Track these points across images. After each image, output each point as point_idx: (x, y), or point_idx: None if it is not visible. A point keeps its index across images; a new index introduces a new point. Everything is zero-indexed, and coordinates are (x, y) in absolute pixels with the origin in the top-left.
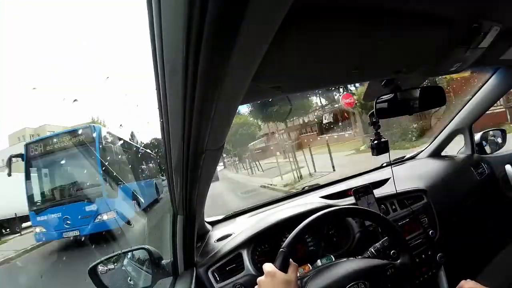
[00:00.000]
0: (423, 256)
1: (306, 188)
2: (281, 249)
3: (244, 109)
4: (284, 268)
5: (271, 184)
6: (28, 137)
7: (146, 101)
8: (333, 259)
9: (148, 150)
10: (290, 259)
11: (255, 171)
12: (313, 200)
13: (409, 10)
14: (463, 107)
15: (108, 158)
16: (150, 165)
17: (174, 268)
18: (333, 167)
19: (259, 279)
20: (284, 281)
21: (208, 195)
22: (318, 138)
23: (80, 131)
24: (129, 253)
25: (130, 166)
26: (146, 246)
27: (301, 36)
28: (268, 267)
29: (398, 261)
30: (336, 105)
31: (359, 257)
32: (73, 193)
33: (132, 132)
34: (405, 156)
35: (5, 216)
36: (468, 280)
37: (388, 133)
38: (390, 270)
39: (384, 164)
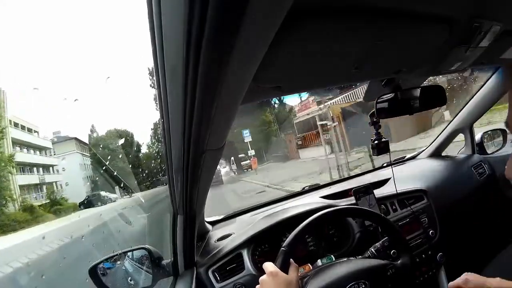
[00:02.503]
0: (423, 256)
1: (306, 188)
2: (282, 248)
3: None
4: (284, 267)
5: None
6: None
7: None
8: (333, 259)
9: None
10: (291, 259)
11: None
12: (313, 200)
13: (409, 10)
14: (464, 107)
15: None
16: None
17: (174, 268)
18: None
19: (262, 278)
20: (286, 281)
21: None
22: None
23: None
24: (129, 253)
25: None
26: (146, 246)
27: (301, 36)
28: (270, 266)
29: (399, 261)
30: None
31: (359, 257)
32: None
33: None
34: (405, 156)
35: None
36: (469, 273)
37: None
38: (390, 270)
39: (385, 164)
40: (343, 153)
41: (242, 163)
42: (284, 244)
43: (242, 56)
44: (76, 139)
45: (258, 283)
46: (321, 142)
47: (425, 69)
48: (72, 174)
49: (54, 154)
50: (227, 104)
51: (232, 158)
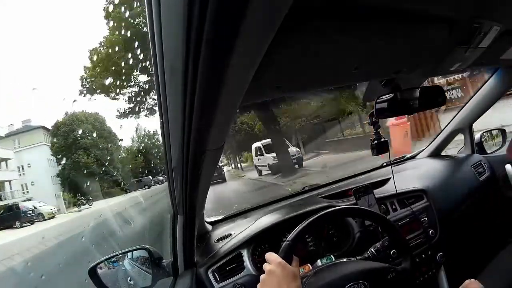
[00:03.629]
0: (423, 256)
1: (306, 188)
2: (286, 242)
3: None
4: (288, 260)
5: None
6: None
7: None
8: (333, 259)
9: None
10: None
11: None
12: (313, 200)
13: (409, 10)
14: (463, 107)
15: None
16: None
17: (174, 268)
18: None
19: (270, 268)
20: (292, 273)
21: None
22: None
23: None
24: (129, 253)
25: None
26: (146, 246)
27: (301, 36)
28: (276, 257)
29: (400, 266)
30: None
31: (359, 257)
32: None
33: None
34: (405, 156)
35: None
36: (472, 280)
37: None
38: (391, 274)
39: (384, 164)
40: None
41: (292, 148)
42: (288, 238)
43: (242, 56)
44: (43, 128)
45: (258, 283)
46: None
47: (425, 69)
48: (39, 171)
49: (19, 147)
50: (227, 104)
51: (259, 144)
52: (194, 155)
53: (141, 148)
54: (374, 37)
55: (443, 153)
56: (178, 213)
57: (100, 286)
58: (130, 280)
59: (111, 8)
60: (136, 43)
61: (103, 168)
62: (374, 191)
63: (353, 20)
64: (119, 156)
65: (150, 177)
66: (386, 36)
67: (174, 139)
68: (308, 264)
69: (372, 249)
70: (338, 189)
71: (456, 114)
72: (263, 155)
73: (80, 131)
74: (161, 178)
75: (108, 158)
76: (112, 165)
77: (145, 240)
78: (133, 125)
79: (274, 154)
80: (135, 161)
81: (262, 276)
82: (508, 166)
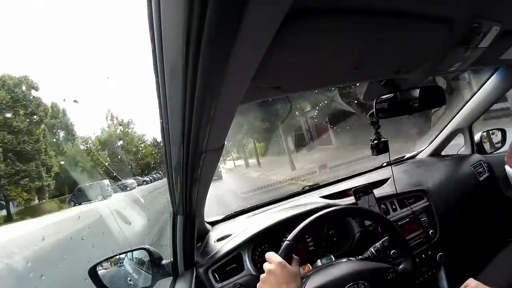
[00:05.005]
0: (423, 256)
1: (306, 188)
2: (286, 241)
3: None
4: (287, 260)
5: None
6: None
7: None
8: (333, 259)
9: None
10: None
11: None
12: (313, 200)
13: (409, 10)
14: (463, 106)
15: None
16: None
17: (174, 268)
18: None
19: (269, 267)
20: (293, 272)
21: None
22: None
23: None
24: (129, 253)
25: None
26: (146, 246)
27: (301, 36)
28: (276, 257)
29: (400, 266)
30: None
31: (359, 257)
32: None
33: None
34: (405, 156)
35: None
36: (472, 279)
37: None
38: (391, 274)
39: (384, 164)
40: None
41: None
42: (289, 237)
43: (242, 56)
44: None
45: (258, 283)
46: None
47: (424, 69)
48: None
49: None
50: (227, 104)
51: None
52: (193, 155)
53: (107, 140)
54: (374, 37)
55: (443, 153)
56: (178, 213)
57: (100, 286)
58: (130, 280)
59: None
60: None
61: (21, 167)
62: (374, 191)
63: (353, 20)
64: (64, 148)
65: (106, 180)
66: (386, 36)
67: (174, 139)
68: (308, 264)
69: (372, 249)
70: (338, 189)
71: (456, 114)
72: None
73: None
74: (131, 181)
75: (30, 148)
76: (39, 160)
77: None
78: (101, 110)
79: None
80: (93, 157)
81: (262, 276)
82: (508, 166)
